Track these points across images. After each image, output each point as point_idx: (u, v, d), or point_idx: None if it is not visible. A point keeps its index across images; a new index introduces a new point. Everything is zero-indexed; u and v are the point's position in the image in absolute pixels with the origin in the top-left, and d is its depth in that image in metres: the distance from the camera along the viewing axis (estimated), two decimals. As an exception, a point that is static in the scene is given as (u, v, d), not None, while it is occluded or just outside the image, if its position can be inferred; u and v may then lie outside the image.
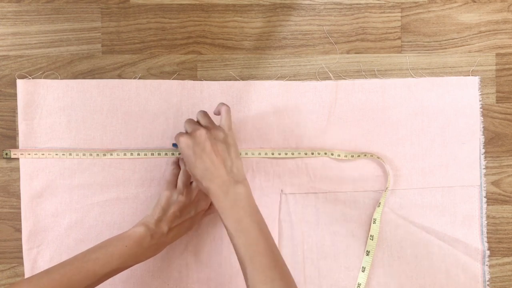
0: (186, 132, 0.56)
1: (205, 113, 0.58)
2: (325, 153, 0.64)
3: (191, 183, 0.60)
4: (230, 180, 0.52)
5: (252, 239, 0.50)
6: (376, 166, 0.65)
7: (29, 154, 0.62)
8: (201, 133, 0.53)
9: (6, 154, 0.62)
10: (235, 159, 0.54)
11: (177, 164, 0.62)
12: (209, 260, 0.63)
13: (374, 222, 0.64)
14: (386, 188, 0.64)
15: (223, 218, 0.52)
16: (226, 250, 0.64)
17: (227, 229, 0.52)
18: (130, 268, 0.62)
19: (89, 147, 0.63)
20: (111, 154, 0.63)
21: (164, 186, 0.59)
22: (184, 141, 0.54)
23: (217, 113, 0.59)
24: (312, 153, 0.64)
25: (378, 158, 0.64)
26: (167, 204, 0.57)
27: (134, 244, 0.54)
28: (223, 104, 0.57)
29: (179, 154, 0.62)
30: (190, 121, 0.57)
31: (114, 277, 0.62)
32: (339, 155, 0.64)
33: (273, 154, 0.63)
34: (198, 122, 0.57)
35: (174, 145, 0.63)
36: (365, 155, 0.64)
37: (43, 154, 0.62)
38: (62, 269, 0.50)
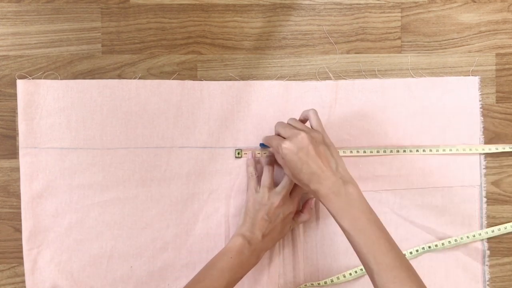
0: (281, 137, 0.56)
1: (295, 119, 0.58)
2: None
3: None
4: (339, 181, 0.52)
5: (372, 238, 0.50)
6: (376, 166, 0.65)
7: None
8: (303, 136, 0.53)
9: None
10: (338, 159, 0.54)
11: (255, 168, 0.62)
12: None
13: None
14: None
15: (338, 219, 0.51)
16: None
17: (343, 230, 0.51)
18: (130, 268, 0.63)
19: (89, 147, 0.63)
20: None
21: (248, 192, 0.61)
22: (287, 148, 0.53)
23: (304, 119, 0.59)
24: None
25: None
26: (254, 210, 0.59)
27: (237, 254, 0.56)
28: (309, 109, 0.57)
29: (265, 153, 0.63)
30: (285, 125, 0.57)
31: (114, 277, 0.62)
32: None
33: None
34: (290, 125, 0.57)
35: (262, 145, 0.63)
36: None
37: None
38: None
